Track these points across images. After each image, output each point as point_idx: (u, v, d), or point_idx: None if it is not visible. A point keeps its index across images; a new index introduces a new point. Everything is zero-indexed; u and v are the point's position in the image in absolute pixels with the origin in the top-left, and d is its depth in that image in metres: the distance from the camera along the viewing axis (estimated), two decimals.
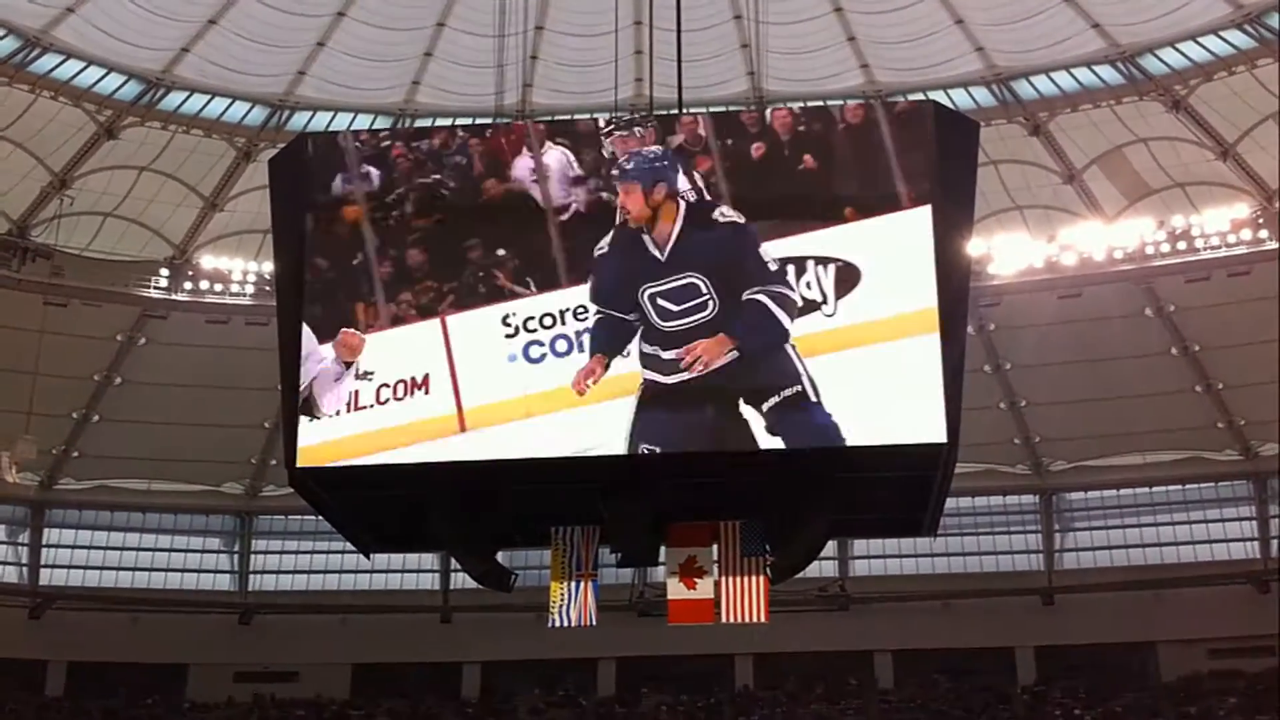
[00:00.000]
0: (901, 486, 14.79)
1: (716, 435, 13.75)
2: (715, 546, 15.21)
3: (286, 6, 41.92)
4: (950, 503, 17.02)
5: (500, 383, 13.87)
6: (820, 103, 40.88)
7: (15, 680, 48.65)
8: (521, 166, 14.36)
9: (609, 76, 37.16)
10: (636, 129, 14.33)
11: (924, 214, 13.67)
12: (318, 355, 14.02)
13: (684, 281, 13.73)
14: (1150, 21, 40.44)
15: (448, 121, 42.75)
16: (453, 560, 37.51)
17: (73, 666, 49.36)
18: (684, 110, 15.80)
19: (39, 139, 42.52)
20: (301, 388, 14.03)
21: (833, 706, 48.55)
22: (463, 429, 13.89)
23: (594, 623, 15.23)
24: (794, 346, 13.52)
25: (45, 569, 50.22)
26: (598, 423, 13.74)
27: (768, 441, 13.59)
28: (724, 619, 15.06)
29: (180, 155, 44.22)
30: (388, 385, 13.97)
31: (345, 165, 14.70)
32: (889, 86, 43.03)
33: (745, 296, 13.65)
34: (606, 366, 13.74)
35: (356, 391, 13.98)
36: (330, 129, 42.66)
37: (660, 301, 13.74)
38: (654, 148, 14.15)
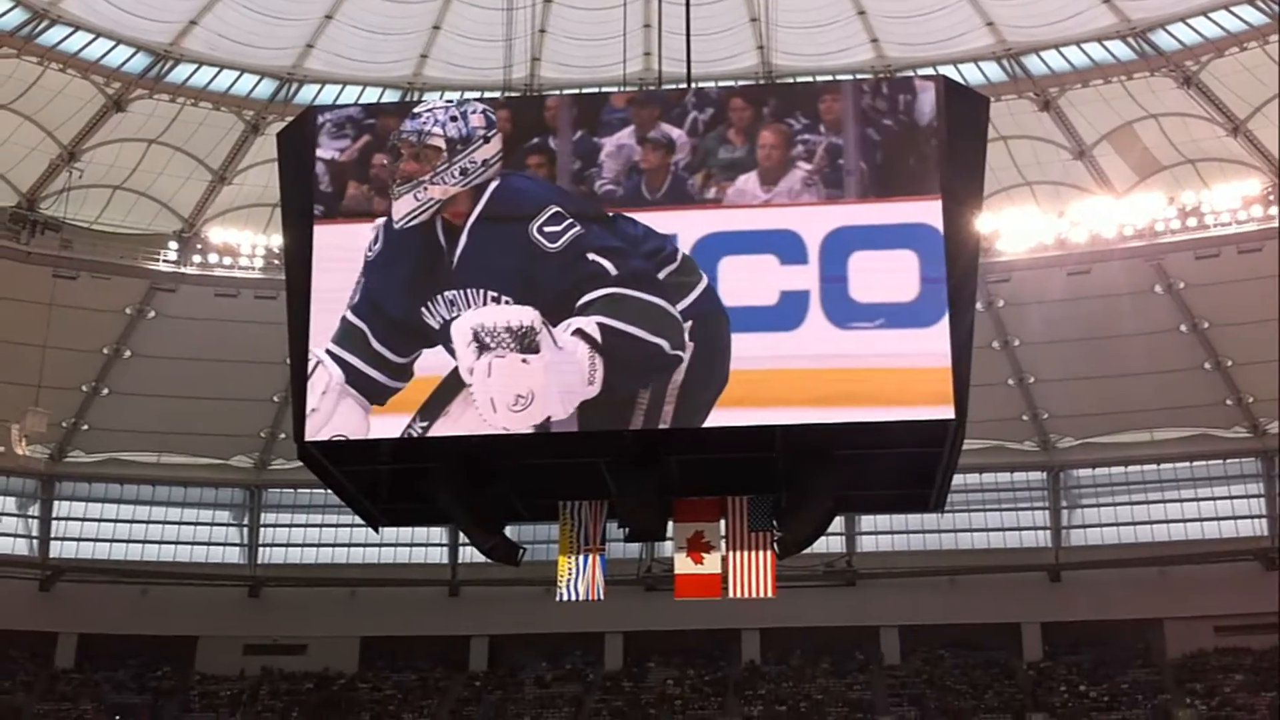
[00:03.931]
0: (909, 462, 14.81)
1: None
2: (722, 522, 15.28)
3: None
4: (957, 479, 17.07)
5: None
6: (830, 77, 40.94)
7: (26, 652, 49.02)
8: None
9: (618, 50, 37.07)
10: None
11: None
12: None
13: None
14: None
15: (456, 95, 42.75)
16: (461, 534, 37.61)
17: (83, 638, 49.67)
18: (692, 84, 15.80)
19: (47, 111, 42.46)
20: None
21: (839, 681, 48.70)
22: None
23: (601, 597, 15.33)
24: None
25: (55, 541, 50.43)
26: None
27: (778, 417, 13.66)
28: (731, 594, 15.13)
29: (189, 128, 44.12)
30: None
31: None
32: (898, 62, 42.82)
33: None
34: None
35: None
36: (338, 102, 42.60)
37: None
38: None
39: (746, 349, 13.76)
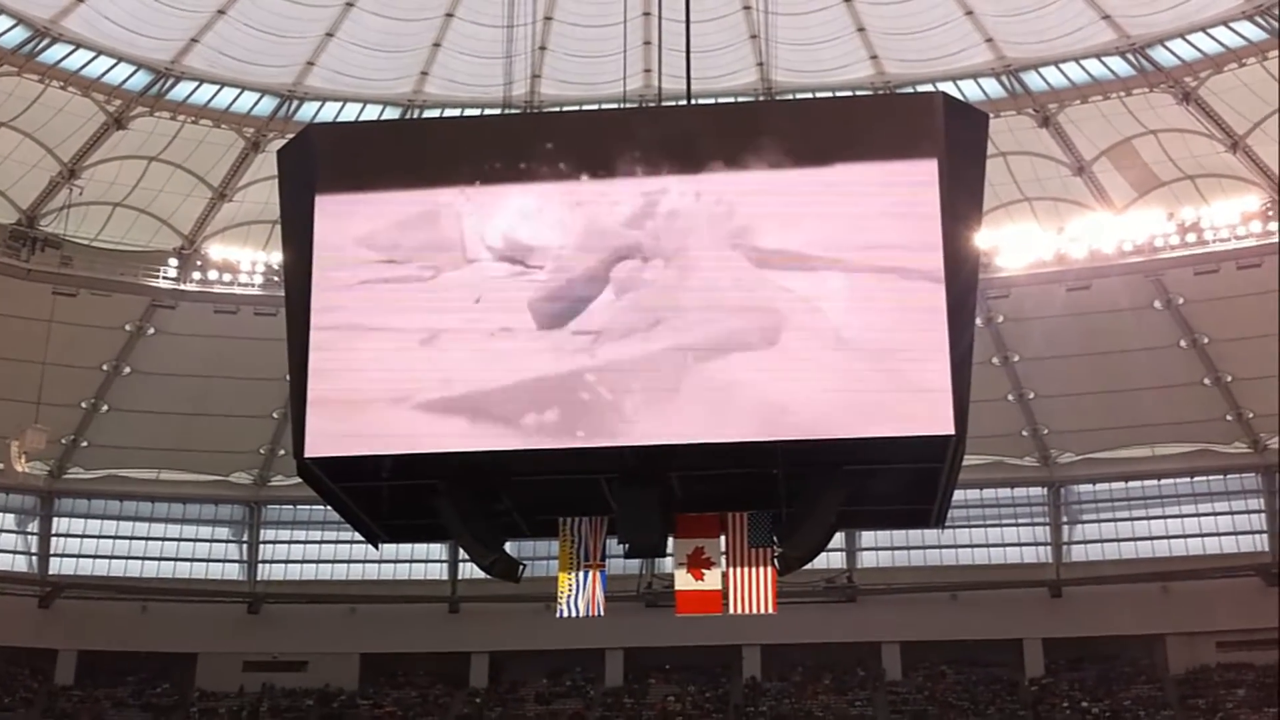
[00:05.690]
0: (910, 478, 14.81)
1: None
2: (723, 537, 15.26)
3: None
4: (958, 495, 17.07)
5: None
6: (829, 93, 41.01)
7: (25, 669, 48.93)
8: None
9: (618, 67, 37.17)
10: None
11: None
12: None
13: None
14: (1160, 13, 40.29)
15: (456, 112, 42.85)
16: (461, 550, 37.55)
17: (83, 655, 49.52)
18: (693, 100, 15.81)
19: (48, 129, 42.51)
20: None
21: (840, 697, 48.59)
22: None
23: (602, 613, 15.31)
24: None
25: (55, 558, 50.33)
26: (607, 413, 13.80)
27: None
28: (732, 610, 15.12)
29: (189, 145, 44.20)
30: None
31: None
32: (898, 78, 42.92)
33: None
34: None
35: None
36: (339, 119, 42.69)
37: None
38: None
39: None
